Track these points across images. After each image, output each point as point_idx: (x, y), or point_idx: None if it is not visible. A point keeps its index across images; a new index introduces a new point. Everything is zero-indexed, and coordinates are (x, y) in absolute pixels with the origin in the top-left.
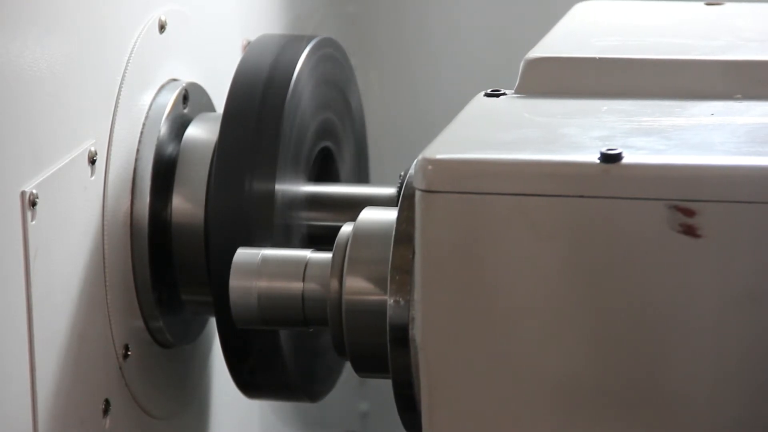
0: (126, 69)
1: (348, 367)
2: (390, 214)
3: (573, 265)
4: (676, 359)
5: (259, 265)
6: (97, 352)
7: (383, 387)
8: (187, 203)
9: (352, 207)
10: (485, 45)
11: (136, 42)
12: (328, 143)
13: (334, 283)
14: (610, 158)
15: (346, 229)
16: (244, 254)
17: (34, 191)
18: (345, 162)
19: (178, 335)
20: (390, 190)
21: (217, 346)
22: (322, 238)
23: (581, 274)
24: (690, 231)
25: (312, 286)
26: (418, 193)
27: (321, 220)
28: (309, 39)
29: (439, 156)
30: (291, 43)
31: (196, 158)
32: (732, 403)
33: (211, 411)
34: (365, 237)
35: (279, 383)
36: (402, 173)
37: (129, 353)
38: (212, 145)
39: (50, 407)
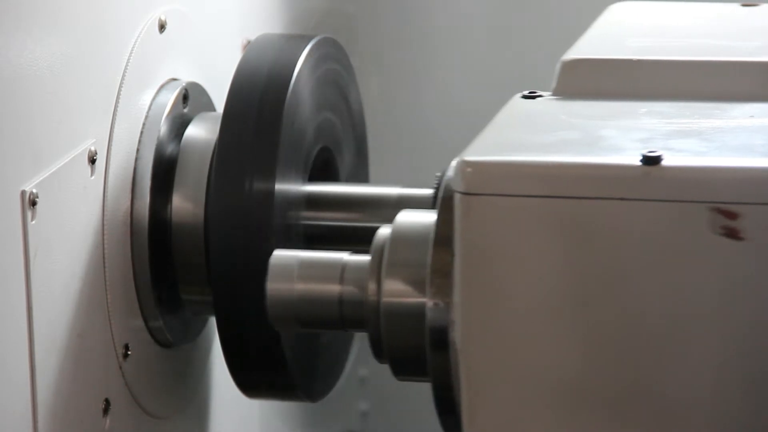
0: (126, 68)
1: (348, 366)
2: (427, 217)
3: (614, 268)
4: (719, 361)
5: (296, 267)
6: (97, 351)
7: (383, 387)
8: (187, 203)
9: (351, 207)
10: (485, 45)
11: (136, 41)
12: (327, 143)
13: (372, 286)
14: (650, 161)
15: (384, 231)
16: (280, 256)
17: (34, 191)
18: (344, 162)
19: (178, 335)
20: (390, 190)
21: (217, 346)
22: (322, 238)
23: (622, 277)
24: (732, 233)
25: (350, 289)
26: (457, 196)
27: (320, 219)
28: (309, 39)
29: (478, 158)
30: (291, 43)
31: (196, 158)
32: None
33: (211, 410)
34: (403, 240)
35: (279, 383)
36: (438, 174)
37: (129, 353)
38: (212, 145)
39: (50, 407)
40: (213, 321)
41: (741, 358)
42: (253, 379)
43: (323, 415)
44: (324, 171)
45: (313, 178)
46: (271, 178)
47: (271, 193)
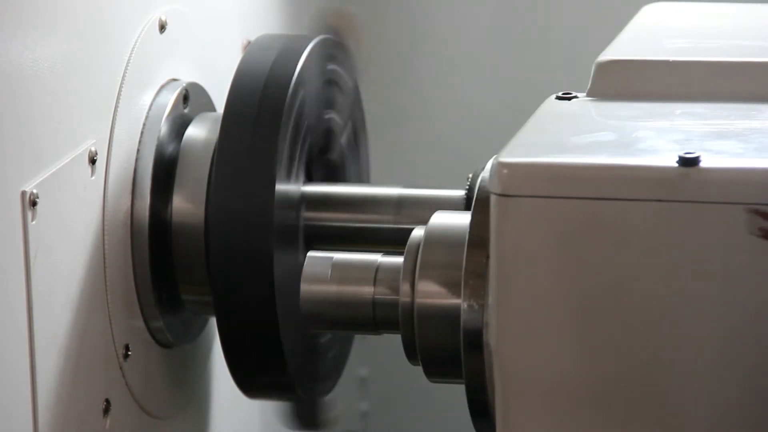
0: (126, 69)
1: (348, 366)
2: (461, 219)
3: (650, 269)
4: (753, 363)
5: (330, 269)
6: (98, 352)
7: (384, 387)
8: (187, 203)
9: (352, 207)
10: (487, 45)
11: (136, 42)
12: (328, 143)
13: (406, 288)
14: (688, 162)
15: (417, 233)
16: (314, 258)
17: (35, 191)
18: (345, 162)
19: (179, 335)
20: (390, 190)
21: (218, 346)
22: (322, 238)
23: (659, 278)
24: None
25: (383, 291)
26: (493, 197)
27: (321, 220)
28: (309, 39)
29: (514, 160)
30: (291, 43)
31: (196, 158)
32: None
33: (211, 411)
34: (437, 241)
35: (279, 383)
36: (470, 176)
37: (129, 353)
38: (212, 145)
39: (51, 407)
40: (213, 321)
41: None
42: (254, 379)
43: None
44: (324, 171)
45: (314, 178)
46: (272, 178)
47: (271, 193)
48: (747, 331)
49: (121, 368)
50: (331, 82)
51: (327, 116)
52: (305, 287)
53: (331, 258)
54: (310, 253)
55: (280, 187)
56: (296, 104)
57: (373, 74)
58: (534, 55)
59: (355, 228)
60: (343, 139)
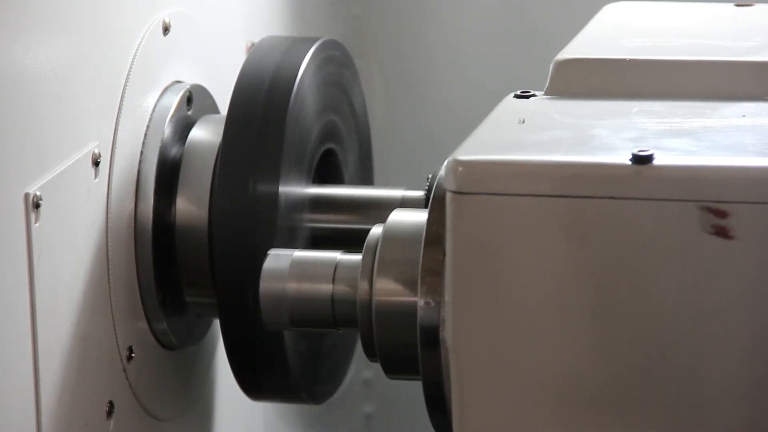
0: (130, 71)
1: (352, 369)
2: (420, 216)
3: (604, 266)
4: (709, 361)
5: (289, 267)
6: (101, 354)
7: (388, 389)
8: (190, 205)
9: (355, 209)
10: (491, 48)
11: (140, 44)
12: (331, 145)
13: (364, 285)
14: (641, 159)
15: (376, 230)
16: (274, 256)
17: (38, 193)
18: (349, 164)
19: (182, 337)
20: (393, 192)
21: (221, 348)
22: (326, 240)
23: (612, 275)
24: (722, 232)
25: (342, 288)
26: (448, 195)
27: (325, 221)
28: (313, 41)
29: (469, 157)
30: (295, 45)
31: (199, 160)
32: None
33: (215, 413)
34: (395, 239)
35: (283, 385)
36: (430, 175)
37: (133, 355)
38: (216, 147)
39: (54, 409)
40: (217, 323)
41: (740, 356)
42: (257, 381)
43: (327, 417)
44: (328, 173)
45: (317, 180)
46: (275, 180)
47: (275, 195)
48: (704, 326)
49: (124, 370)
50: (334, 84)
51: (330, 118)
52: (264, 285)
53: (291, 255)
54: (271, 251)
55: (284, 189)
56: (300, 106)
57: (376, 76)
58: (541, 59)
59: (359, 230)
60: (346, 141)
